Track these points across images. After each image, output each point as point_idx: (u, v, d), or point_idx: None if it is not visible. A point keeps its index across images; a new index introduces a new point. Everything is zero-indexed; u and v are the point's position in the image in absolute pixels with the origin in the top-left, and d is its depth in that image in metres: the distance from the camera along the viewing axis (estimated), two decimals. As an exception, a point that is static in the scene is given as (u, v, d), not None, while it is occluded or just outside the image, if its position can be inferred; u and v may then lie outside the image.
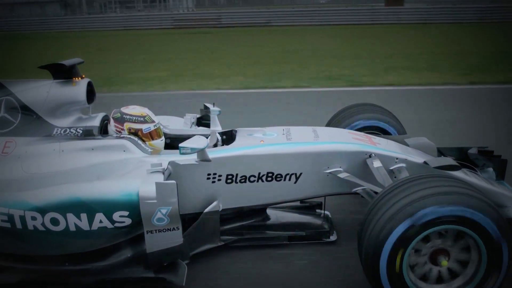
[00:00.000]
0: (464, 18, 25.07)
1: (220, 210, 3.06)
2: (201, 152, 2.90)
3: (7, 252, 2.87)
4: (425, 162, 3.15)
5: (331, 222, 3.50)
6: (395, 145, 3.36)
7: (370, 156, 3.13)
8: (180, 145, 2.79)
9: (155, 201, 2.61)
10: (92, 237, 2.77)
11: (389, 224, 2.40)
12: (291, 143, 3.14)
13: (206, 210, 3.02)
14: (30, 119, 3.17)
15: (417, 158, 3.21)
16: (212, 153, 3.02)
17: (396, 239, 2.38)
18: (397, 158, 3.17)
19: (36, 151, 3.04)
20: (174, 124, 3.75)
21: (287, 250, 3.30)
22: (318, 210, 3.63)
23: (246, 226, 3.38)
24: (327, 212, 3.57)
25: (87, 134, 3.15)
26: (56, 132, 3.15)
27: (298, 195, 3.21)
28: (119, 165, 2.94)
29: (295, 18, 27.62)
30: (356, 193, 3.16)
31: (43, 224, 2.70)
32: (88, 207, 2.68)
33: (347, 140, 3.23)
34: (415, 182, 2.51)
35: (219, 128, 3.63)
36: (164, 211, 2.64)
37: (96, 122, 3.24)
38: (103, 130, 3.27)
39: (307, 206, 3.66)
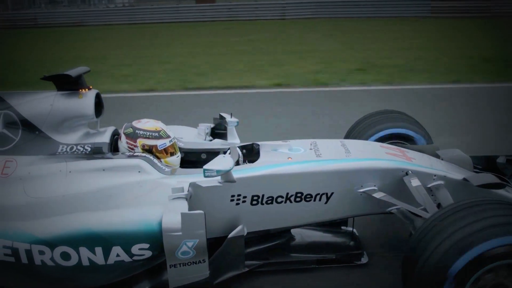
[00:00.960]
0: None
1: (245, 234, 2.79)
2: (226, 173, 2.63)
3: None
4: (465, 179, 2.92)
5: (359, 242, 3.26)
6: (429, 159, 3.11)
7: (407, 174, 2.88)
8: (204, 167, 2.51)
9: (180, 233, 2.34)
10: (107, 272, 2.49)
11: (447, 257, 2.15)
12: (321, 160, 2.88)
13: (231, 235, 2.74)
14: (32, 135, 2.86)
15: (456, 174, 2.97)
16: (237, 173, 2.73)
17: (457, 273, 2.14)
18: (435, 175, 2.93)
19: (40, 172, 2.73)
20: (187, 135, 3.45)
21: (315, 274, 3.05)
22: (343, 227, 3.38)
23: (270, 249, 3.12)
24: (354, 230, 3.32)
25: (96, 151, 2.84)
26: (62, 149, 2.84)
27: (329, 216, 2.95)
28: (134, 189, 2.65)
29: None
30: (390, 213, 2.92)
31: (52, 259, 2.41)
32: (103, 240, 2.39)
33: (381, 156, 2.97)
34: (471, 210, 2.26)
35: (238, 141, 3.35)
36: (190, 244, 2.37)
37: (105, 138, 2.93)
38: (113, 147, 2.96)
39: (331, 222, 3.40)
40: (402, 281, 2.42)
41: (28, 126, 2.86)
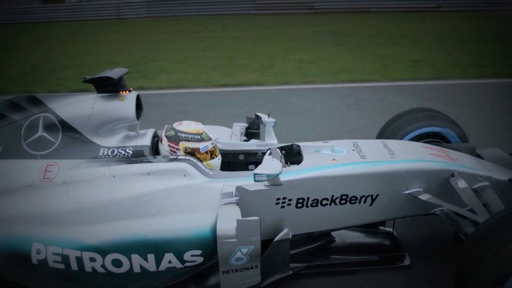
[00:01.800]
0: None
1: (290, 237, 2.76)
2: (275, 177, 2.59)
3: None
4: (510, 180, 2.89)
5: (400, 243, 3.23)
6: (473, 160, 3.08)
7: (452, 175, 2.85)
8: (254, 172, 2.47)
9: (235, 240, 2.30)
10: (156, 278, 2.46)
11: (506, 267, 2.12)
12: (367, 162, 2.84)
13: (277, 238, 2.70)
14: (72, 139, 2.81)
15: (500, 175, 2.94)
16: (282, 176, 2.69)
17: None
18: (480, 176, 2.89)
19: (83, 176, 2.69)
20: (222, 136, 3.41)
21: (357, 276, 3.03)
22: (381, 227, 3.35)
23: (311, 251, 3.09)
24: (393, 231, 3.29)
25: (138, 155, 2.80)
26: (103, 153, 2.80)
27: (373, 218, 2.92)
28: (180, 193, 2.61)
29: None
30: (434, 214, 2.89)
31: (103, 266, 2.38)
32: (156, 247, 2.36)
33: (425, 157, 2.93)
34: None
35: (275, 141, 3.31)
36: (245, 250, 2.33)
37: (146, 140, 2.89)
38: (154, 150, 2.92)
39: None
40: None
41: (68, 129, 2.81)
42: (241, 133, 3.52)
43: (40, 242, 2.41)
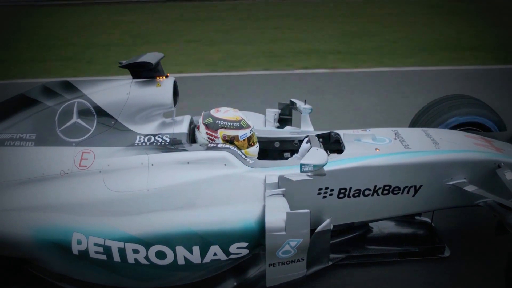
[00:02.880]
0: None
1: (331, 228, 2.70)
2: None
3: (99, 284, 2.50)
4: None
5: (438, 234, 3.16)
6: None
7: (499, 166, 2.77)
8: (301, 162, 2.39)
9: (284, 233, 2.24)
10: (199, 269, 2.41)
11: None
12: (411, 152, 2.75)
13: (318, 229, 2.63)
14: (107, 126, 2.73)
15: None
16: (325, 166, 2.61)
17: None
18: None
19: (121, 164, 2.61)
20: (256, 122, 3.30)
21: (395, 267, 2.97)
22: (417, 217, 3.28)
23: (349, 241, 3.03)
24: (429, 220, 3.23)
25: (176, 142, 2.72)
26: (139, 140, 2.71)
27: (416, 209, 2.86)
28: (222, 183, 2.53)
29: None
30: (477, 206, 2.82)
31: (146, 258, 2.33)
32: (202, 240, 2.30)
33: (470, 147, 2.85)
34: None
35: (311, 129, 3.21)
36: (293, 243, 2.27)
37: (184, 128, 2.80)
38: (191, 137, 2.84)
39: None
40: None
41: (103, 116, 2.72)
42: (275, 119, 3.43)
43: (81, 233, 2.36)
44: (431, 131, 3.05)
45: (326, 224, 2.65)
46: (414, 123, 3.69)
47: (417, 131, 3.04)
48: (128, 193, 2.51)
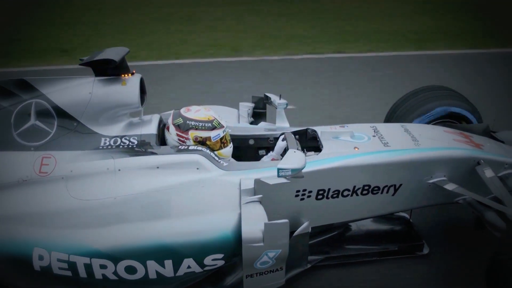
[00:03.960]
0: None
1: (310, 231, 2.60)
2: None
3: None
4: None
5: (417, 231, 3.11)
6: (497, 145, 2.95)
7: (478, 163, 2.71)
8: (278, 167, 2.26)
9: (262, 244, 2.12)
10: (172, 283, 2.27)
11: None
12: (391, 150, 2.66)
13: (296, 232, 2.52)
14: (69, 128, 2.52)
15: None
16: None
17: None
18: (506, 164, 2.77)
19: (85, 170, 2.42)
20: (229, 117, 3.16)
21: (375, 265, 2.91)
22: (395, 214, 3.22)
23: (327, 241, 2.95)
24: (407, 216, 3.18)
25: (143, 145, 2.54)
26: (105, 143, 2.53)
27: (395, 208, 2.79)
28: (195, 189, 2.38)
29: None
30: (456, 203, 2.78)
31: (115, 273, 2.17)
32: (175, 253, 2.16)
33: (450, 144, 2.78)
34: None
35: (287, 125, 3.09)
36: (272, 254, 2.16)
37: (152, 128, 2.63)
38: (161, 139, 2.67)
39: None
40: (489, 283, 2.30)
41: (64, 117, 2.52)
42: (248, 113, 3.28)
43: (42, 247, 2.18)
44: (410, 126, 2.97)
45: (304, 227, 2.53)
46: (390, 115, 3.60)
47: (396, 127, 2.95)
48: (93, 202, 2.33)
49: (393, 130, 2.89)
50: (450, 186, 2.65)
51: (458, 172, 2.72)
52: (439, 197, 2.76)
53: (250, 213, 2.19)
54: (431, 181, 2.69)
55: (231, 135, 2.89)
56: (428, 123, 3.32)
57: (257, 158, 2.99)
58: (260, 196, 2.30)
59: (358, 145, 2.70)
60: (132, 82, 2.57)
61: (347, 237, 3.02)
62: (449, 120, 3.42)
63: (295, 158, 2.31)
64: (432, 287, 2.77)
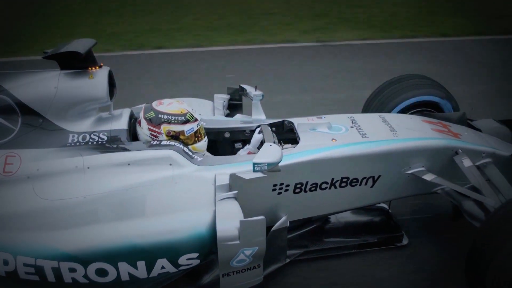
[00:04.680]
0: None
1: (288, 225, 2.54)
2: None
3: None
4: None
5: (396, 222, 3.09)
6: (474, 134, 2.93)
7: (456, 153, 2.69)
8: (254, 161, 2.19)
9: (238, 242, 2.05)
10: (147, 283, 2.19)
11: None
12: (369, 142, 2.61)
13: (274, 227, 2.48)
14: (34, 124, 2.41)
15: (503, 150, 2.81)
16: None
17: None
18: (484, 153, 2.75)
19: (52, 168, 2.31)
20: (204, 110, 3.06)
21: (355, 258, 2.89)
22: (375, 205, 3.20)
23: (306, 234, 2.90)
24: (386, 206, 3.15)
25: (114, 140, 2.44)
26: (73, 140, 2.42)
27: (374, 199, 2.75)
28: (169, 186, 2.29)
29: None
30: (435, 193, 2.76)
31: (85, 276, 2.08)
32: (147, 254, 2.07)
33: (428, 134, 2.75)
34: None
35: (263, 117, 3.01)
36: (248, 252, 2.10)
37: (123, 123, 2.53)
38: (132, 134, 2.56)
39: None
40: (468, 277, 2.29)
41: (29, 114, 2.40)
42: (224, 105, 3.18)
43: (7, 252, 2.08)
44: (388, 116, 2.92)
45: (282, 221, 2.50)
46: (368, 105, 3.55)
47: (374, 117, 2.91)
48: (61, 202, 2.23)
49: (371, 121, 2.85)
50: (428, 177, 2.63)
51: (436, 162, 2.69)
52: (417, 188, 2.74)
53: (225, 210, 2.12)
54: (409, 171, 2.66)
55: (206, 128, 2.79)
56: (405, 112, 3.29)
57: (233, 151, 2.92)
58: (236, 192, 2.23)
59: (335, 137, 2.64)
60: (100, 75, 2.47)
61: (326, 230, 2.97)
62: (426, 109, 3.40)
63: (271, 152, 2.24)
64: (412, 277, 2.75)
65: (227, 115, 3.16)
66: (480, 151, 2.74)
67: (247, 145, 2.84)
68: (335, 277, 2.75)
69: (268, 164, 2.20)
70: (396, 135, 2.68)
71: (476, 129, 3.08)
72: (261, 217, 2.05)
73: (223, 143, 2.95)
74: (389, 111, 3.29)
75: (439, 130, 2.81)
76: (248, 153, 2.77)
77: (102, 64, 2.51)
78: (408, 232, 3.03)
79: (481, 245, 2.21)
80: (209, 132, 2.83)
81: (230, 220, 2.06)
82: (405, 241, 2.97)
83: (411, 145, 2.63)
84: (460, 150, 2.69)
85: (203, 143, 2.61)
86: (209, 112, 3.09)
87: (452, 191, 2.66)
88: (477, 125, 3.11)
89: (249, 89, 3.10)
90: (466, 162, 2.64)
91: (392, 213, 3.13)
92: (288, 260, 2.71)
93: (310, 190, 2.57)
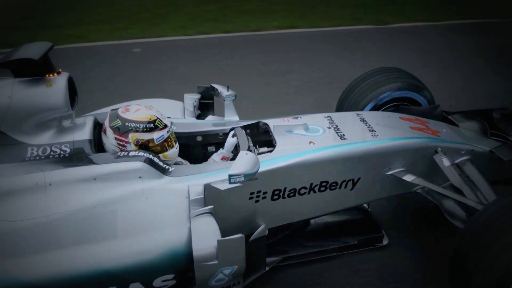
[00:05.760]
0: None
1: (266, 233, 2.43)
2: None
3: None
4: (491, 151, 2.74)
5: (376, 222, 3.03)
6: (453, 131, 2.88)
7: (436, 152, 2.63)
8: (230, 173, 2.06)
9: (216, 262, 1.93)
10: None
11: None
12: (348, 144, 2.52)
13: (253, 237, 2.36)
14: None
15: (481, 146, 2.77)
16: None
17: None
18: (463, 150, 2.71)
19: (9, 186, 2.10)
20: (173, 112, 2.89)
21: (335, 261, 2.81)
22: None
23: (285, 238, 2.81)
24: (365, 206, 3.09)
25: (77, 152, 2.26)
26: (32, 154, 2.23)
27: (354, 202, 2.68)
28: (138, 203, 2.12)
29: None
30: (415, 193, 2.71)
31: None
32: (118, 279, 1.93)
33: (408, 133, 2.67)
34: None
35: (236, 118, 2.87)
36: (227, 271, 1.98)
37: (86, 133, 2.34)
38: (97, 144, 2.38)
39: None
40: (451, 278, 2.24)
41: None
42: (195, 106, 3.02)
43: None
44: (366, 115, 2.83)
45: (261, 230, 2.38)
46: (343, 100, 3.45)
47: (352, 116, 2.81)
48: (20, 223, 2.03)
49: (348, 120, 2.75)
50: (408, 177, 2.57)
51: (416, 161, 2.63)
52: (398, 188, 2.68)
53: (201, 228, 1.99)
54: (389, 172, 2.59)
55: (177, 133, 2.64)
56: (380, 107, 3.22)
57: (206, 155, 2.78)
58: (211, 207, 2.10)
59: (313, 139, 2.54)
60: (58, 83, 2.27)
61: (306, 233, 2.89)
62: (402, 103, 3.32)
63: (247, 161, 2.11)
64: (393, 277, 2.71)
65: (198, 116, 3.01)
66: (459, 148, 2.70)
67: (221, 149, 2.70)
68: (315, 282, 2.68)
69: (245, 175, 2.07)
70: (375, 136, 2.59)
71: (453, 124, 3.03)
72: (240, 235, 1.93)
73: (195, 148, 2.80)
74: (364, 107, 3.21)
75: (418, 128, 2.74)
76: (222, 158, 2.64)
77: (60, 70, 2.31)
78: (388, 232, 2.97)
79: (466, 248, 2.16)
80: (180, 136, 2.68)
81: (206, 238, 1.94)
82: (385, 241, 2.92)
83: (390, 146, 2.56)
84: (439, 149, 2.63)
85: (175, 150, 2.46)
86: (179, 113, 2.92)
87: (431, 190, 2.62)
88: (455, 120, 3.07)
89: (221, 89, 2.95)
90: (446, 161, 2.59)
91: (372, 213, 3.07)
92: (267, 268, 2.61)
93: (288, 196, 2.47)
